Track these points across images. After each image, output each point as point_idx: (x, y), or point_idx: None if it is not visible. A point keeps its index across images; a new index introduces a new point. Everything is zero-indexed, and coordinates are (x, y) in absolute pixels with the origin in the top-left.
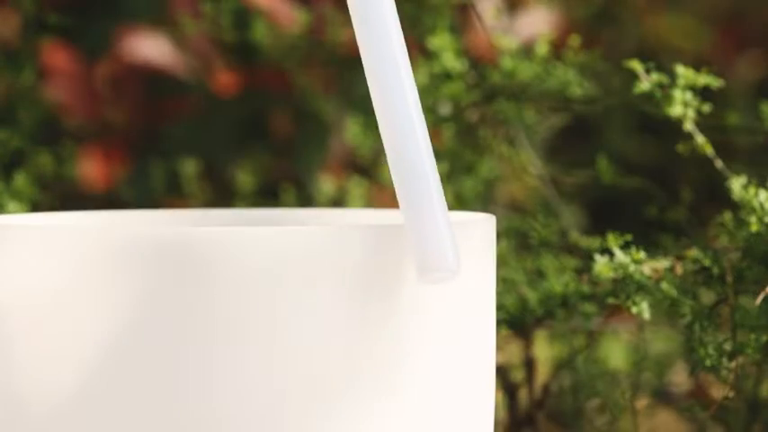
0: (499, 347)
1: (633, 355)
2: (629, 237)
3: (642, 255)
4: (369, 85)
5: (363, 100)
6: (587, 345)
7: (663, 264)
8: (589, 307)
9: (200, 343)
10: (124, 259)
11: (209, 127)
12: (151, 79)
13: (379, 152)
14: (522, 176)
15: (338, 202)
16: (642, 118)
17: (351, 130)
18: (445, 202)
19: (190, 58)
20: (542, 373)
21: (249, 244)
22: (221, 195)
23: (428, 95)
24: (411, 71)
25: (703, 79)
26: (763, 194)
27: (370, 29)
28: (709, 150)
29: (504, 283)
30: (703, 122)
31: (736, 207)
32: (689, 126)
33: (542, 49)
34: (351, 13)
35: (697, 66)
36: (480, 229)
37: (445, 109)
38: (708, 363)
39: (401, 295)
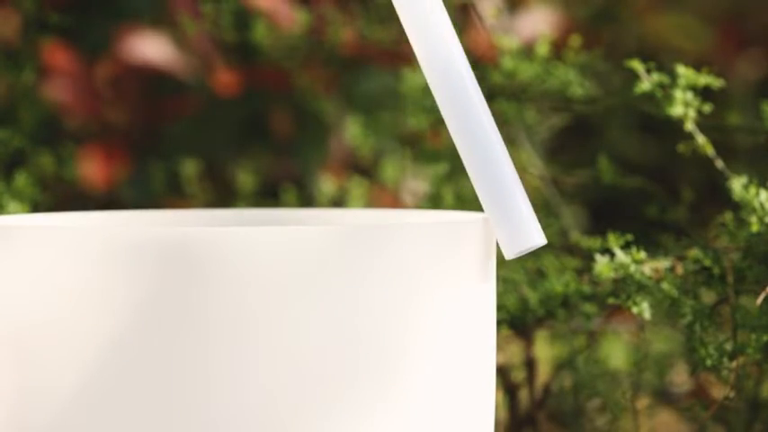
0: (500, 347)
1: (634, 355)
2: (629, 237)
3: (643, 255)
4: (435, 95)
5: (363, 100)
6: (588, 345)
7: (663, 264)
8: (590, 307)
9: (201, 342)
10: (125, 259)
11: (210, 127)
12: (151, 79)
13: (379, 152)
14: (523, 176)
15: (338, 202)
16: (643, 118)
17: (351, 131)
18: (523, 188)
19: (190, 58)
20: (543, 373)
21: (250, 244)
22: (222, 196)
23: (428, 96)
24: (474, 78)
25: (704, 79)
26: (763, 194)
27: (428, 44)
28: (709, 150)
29: (504, 283)
30: (704, 122)
31: (736, 207)
32: (690, 126)
33: (543, 49)
34: (407, 30)
35: (698, 66)
36: (481, 229)
37: None
38: (708, 363)
39: (400, 295)
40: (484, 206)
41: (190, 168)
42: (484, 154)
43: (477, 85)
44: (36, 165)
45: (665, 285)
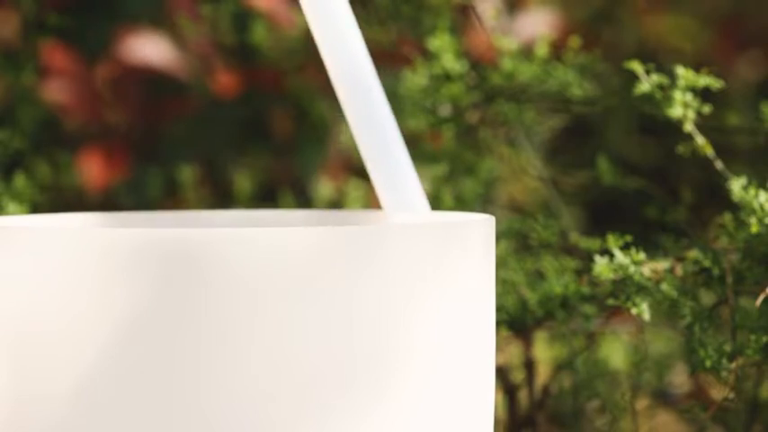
0: (499, 348)
1: (633, 356)
2: (629, 238)
3: (642, 256)
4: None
5: None
6: (587, 346)
7: (663, 265)
8: (589, 308)
9: (199, 343)
10: (125, 260)
11: (209, 128)
12: (151, 80)
13: None
14: (522, 177)
15: (336, 204)
16: (642, 119)
17: (346, 133)
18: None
19: (189, 59)
20: (542, 374)
21: (248, 245)
22: (220, 198)
23: (428, 97)
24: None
25: (703, 80)
26: (763, 195)
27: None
28: (709, 151)
29: (503, 285)
30: (703, 123)
31: (736, 208)
32: (689, 127)
33: (542, 49)
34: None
35: (697, 67)
36: (480, 230)
37: (445, 110)
38: (708, 364)
39: (400, 296)
40: (371, 172)
41: (188, 173)
42: (379, 136)
43: (375, 74)
44: (36, 166)
45: (664, 286)
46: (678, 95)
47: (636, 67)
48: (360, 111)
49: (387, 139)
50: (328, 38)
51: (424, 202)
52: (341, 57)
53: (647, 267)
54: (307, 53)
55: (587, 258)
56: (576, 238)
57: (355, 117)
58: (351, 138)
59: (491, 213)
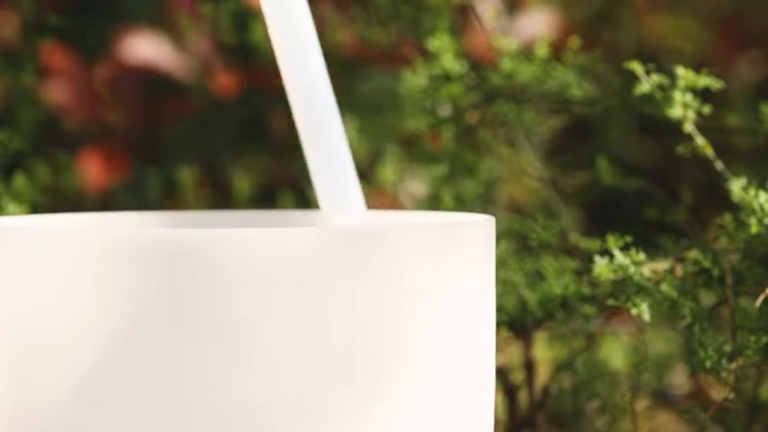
0: (499, 349)
1: (633, 357)
2: (628, 238)
3: (642, 256)
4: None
5: (362, 102)
6: (587, 346)
7: (663, 265)
8: (589, 308)
9: (199, 343)
10: (125, 261)
11: (209, 128)
12: (150, 81)
13: (375, 155)
14: (522, 178)
15: None
16: (642, 119)
17: (345, 133)
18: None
19: (189, 59)
20: (542, 375)
21: (247, 245)
22: (220, 199)
23: (428, 97)
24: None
25: (703, 80)
26: (763, 196)
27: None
28: (709, 152)
29: (503, 285)
30: (703, 124)
31: (736, 208)
32: (689, 127)
33: (542, 50)
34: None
35: (697, 67)
36: (480, 230)
37: (445, 110)
38: (708, 364)
39: (399, 296)
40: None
41: (188, 173)
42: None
43: (326, 78)
44: (35, 166)
45: (664, 287)
46: (678, 96)
47: (636, 67)
48: (305, 110)
49: (330, 140)
50: (283, 36)
51: (361, 204)
52: (293, 57)
53: (646, 268)
54: None
55: (587, 259)
56: (575, 238)
57: (301, 116)
58: (350, 138)
59: (491, 214)
